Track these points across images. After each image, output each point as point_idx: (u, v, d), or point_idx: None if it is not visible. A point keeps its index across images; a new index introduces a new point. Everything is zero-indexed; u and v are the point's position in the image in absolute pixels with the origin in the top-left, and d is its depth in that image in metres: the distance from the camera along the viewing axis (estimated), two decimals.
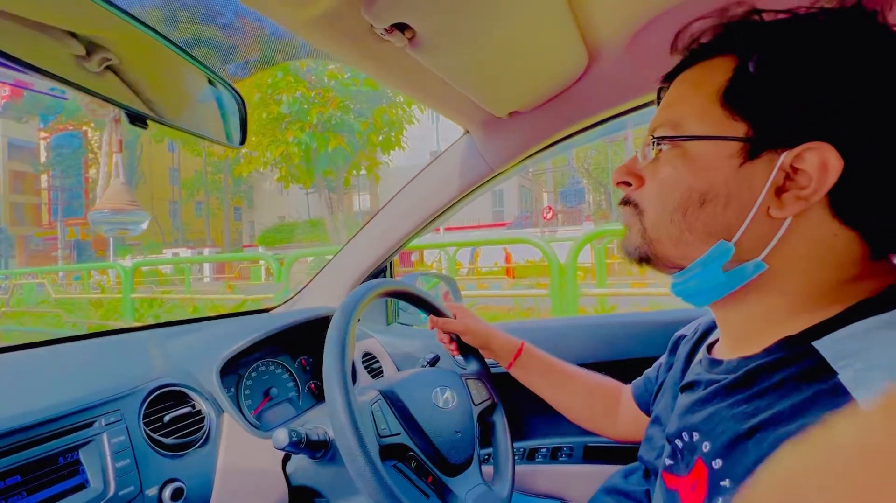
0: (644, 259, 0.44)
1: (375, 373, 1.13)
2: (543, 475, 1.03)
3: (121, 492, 0.52)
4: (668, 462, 0.43)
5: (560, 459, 1.03)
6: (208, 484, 0.62)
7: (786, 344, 0.36)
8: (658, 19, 0.69)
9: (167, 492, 0.56)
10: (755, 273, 0.38)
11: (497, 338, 0.78)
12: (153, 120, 0.44)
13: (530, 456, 1.06)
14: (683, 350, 0.56)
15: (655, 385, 0.63)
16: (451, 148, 1.01)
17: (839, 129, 0.34)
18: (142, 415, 0.59)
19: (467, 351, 0.81)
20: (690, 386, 0.45)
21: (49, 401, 0.53)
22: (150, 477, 0.56)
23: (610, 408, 0.74)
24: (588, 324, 1.13)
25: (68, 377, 0.64)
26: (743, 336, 0.41)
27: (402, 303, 1.35)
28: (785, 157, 0.35)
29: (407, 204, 1.09)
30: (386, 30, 0.54)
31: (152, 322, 1.03)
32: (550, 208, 17.21)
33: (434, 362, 1.03)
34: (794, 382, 0.33)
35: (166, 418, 0.62)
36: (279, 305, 1.26)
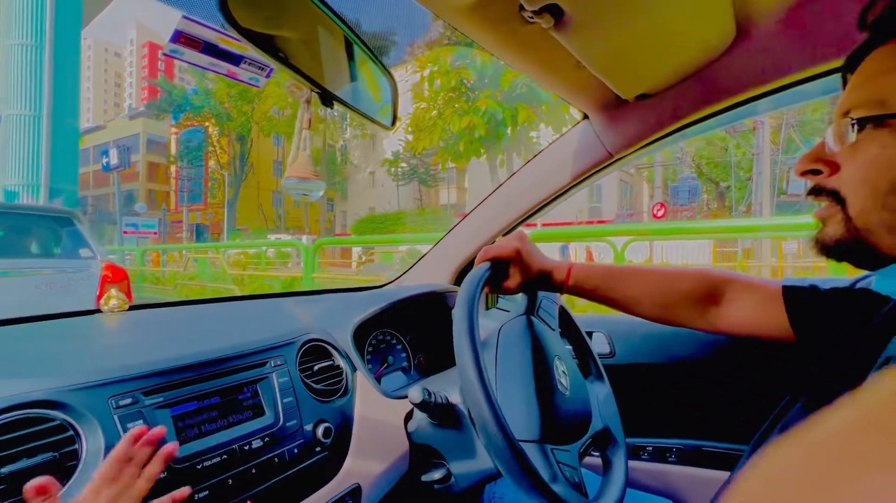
0: (847, 252, 0.41)
1: None
2: (648, 473, 1.00)
3: (287, 424, 0.61)
4: None
5: (669, 459, 0.99)
6: (349, 429, 0.70)
7: None
8: None
9: (320, 430, 0.64)
10: None
11: (547, 272, 0.73)
12: (338, 100, 0.51)
13: (634, 453, 1.03)
14: (879, 315, 0.49)
15: (828, 305, 0.59)
16: (567, 133, 1.01)
17: None
18: (298, 362, 0.69)
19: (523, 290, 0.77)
20: (889, 363, 0.41)
21: (234, 342, 0.64)
22: (307, 415, 0.64)
23: (700, 299, 0.68)
24: None
25: (242, 326, 0.75)
26: None
27: None
28: None
29: (516, 189, 1.11)
30: (535, 12, 0.56)
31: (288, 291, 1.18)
32: (662, 205, 15.82)
33: None
34: None
35: (315, 367, 0.71)
36: (388, 283, 1.36)
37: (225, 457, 0.53)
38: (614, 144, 0.93)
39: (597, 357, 0.81)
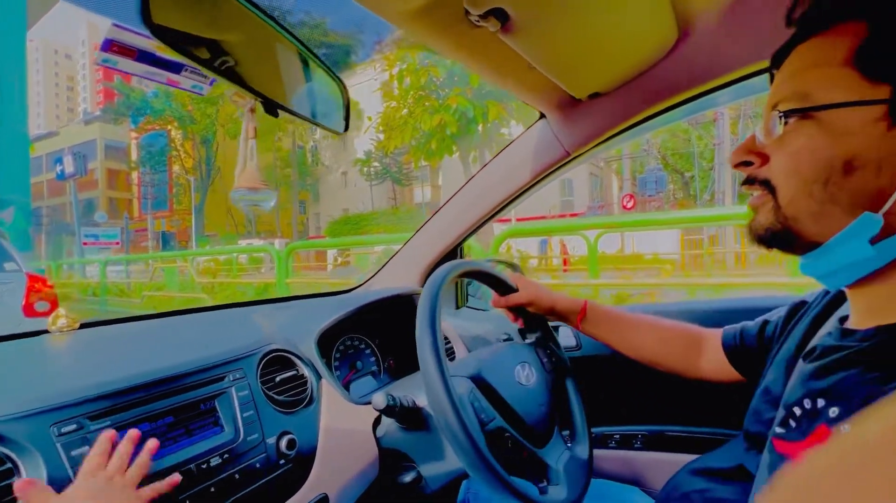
0: (776, 239, 0.43)
1: (447, 353, 1.17)
2: (616, 460, 1.02)
3: (248, 438, 0.60)
4: (780, 430, 0.42)
5: (635, 446, 1.02)
6: (314, 439, 0.69)
7: None
8: None
9: (283, 442, 0.63)
10: None
11: (561, 301, 0.81)
12: (283, 109, 0.50)
13: (602, 442, 1.06)
14: (805, 321, 0.54)
15: (754, 341, 0.64)
16: (526, 133, 1.02)
17: None
18: (258, 374, 0.67)
19: (534, 321, 0.83)
20: (815, 352, 0.44)
21: (189, 358, 0.62)
22: (269, 428, 0.63)
23: (688, 352, 0.76)
24: (672, 311, 1.10)
25: (200, 340, 0.73)
26: (881, 307, 0.39)
27: (472, 289, 1.38)
28: None
29: (480, 189, 1.12)
30: (481, 16, 0.56)
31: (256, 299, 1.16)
32: (631, 196, 16.32)
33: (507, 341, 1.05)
34: None
35: (277, 379, 0.70)
36: (356, 287, 1.34)
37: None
38: (571, 143, 0.95)
39: (586, 423, 0.77)
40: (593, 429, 1.08)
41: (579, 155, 0.98)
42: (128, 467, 0.47)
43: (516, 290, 0.82)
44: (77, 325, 0.81)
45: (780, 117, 0.41)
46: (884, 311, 0.38)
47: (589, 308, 0.81)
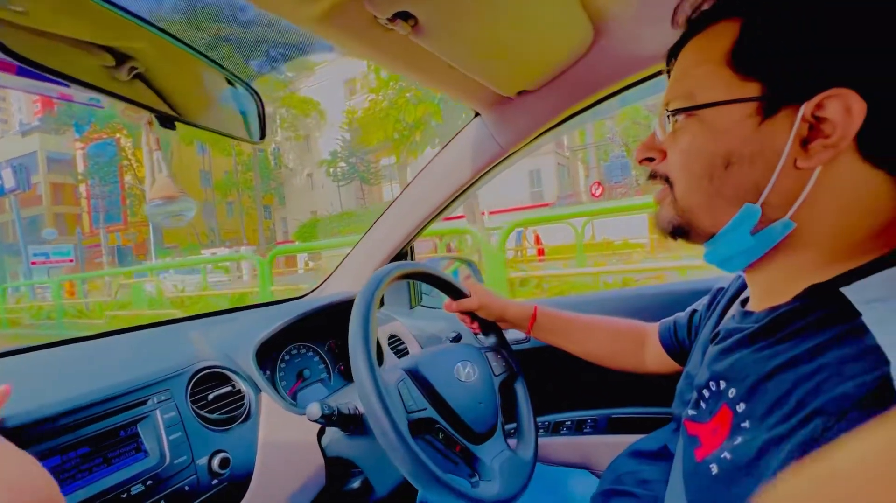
0: (678, 231, 0.45)
1: (401, 353, 1.17)
2: (568, 446, 1.05)
3: (175, 461, 0.58)
4: (692, 412, 0.44)
5: (585, 431, 1.05)
6: (251, 455, 0.68)
7: (813, 291, 0.37)
8: None
9: (215, 462, 0.61)
10: (784, 233, 0.38)
11: (511, 308, 0.81)
12: (180, 121, 0.48)
13: (555, 429, 1.08)
14: (721, 305, 0.57)
15: (685, 331, 0.67)
16: (463, 131, 1.03)
17: (857, 72, 0.34)
18: (188, 394, 0.65)
19: (486, 326, 0.84)
20: (719, 336, 0.46)
21: (108, 383, 0.59)
22: (200, 448, 0.61)
23: (635, 349, 0.78)
24: (616, 298, 1.13)
25: (124, 363, 0.70)
26: (772, 290, 0.42)
27: (425, 287, 1.39)
28: (805, 108, 0.35)
29: (423, 190, 1.12)
30: (389, 19, 0.56)
31: (199, 312, 1.11)
32: (599, 184, 16.71)
33: (456, 340, 1.06)
34: (817, 325, 0.34)
35: (210, 396, 0.68)
36: (309, 293, 1.32)
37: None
38: (506, 140, 0.96)
39: (533, 425, 0.76)
40: (547, 418, 1.11)
41: (515, 151, 0.99)
42: None
43: (468, 295, 0.82)
44: None
45: (669, 116, 0.43)
46: (775, 294, 0.41)
47: (539, 314, 0.81)
